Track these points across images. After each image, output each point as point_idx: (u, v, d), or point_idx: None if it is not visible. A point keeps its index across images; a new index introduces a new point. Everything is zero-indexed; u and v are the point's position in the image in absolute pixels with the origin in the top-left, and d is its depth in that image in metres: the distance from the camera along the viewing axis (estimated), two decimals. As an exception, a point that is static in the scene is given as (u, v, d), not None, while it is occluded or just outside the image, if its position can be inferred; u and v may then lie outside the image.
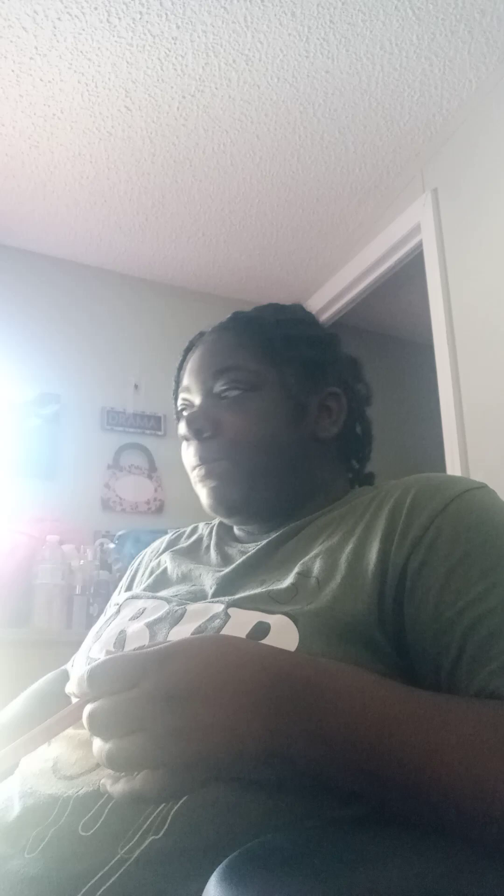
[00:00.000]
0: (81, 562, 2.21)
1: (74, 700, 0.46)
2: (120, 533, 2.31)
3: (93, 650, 0.70)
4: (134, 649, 0.64)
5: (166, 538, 0.93)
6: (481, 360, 1.85)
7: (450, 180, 2.05)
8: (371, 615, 0.56)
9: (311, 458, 0.78)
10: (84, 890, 0.48)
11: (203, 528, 0.89)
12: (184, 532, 0.92)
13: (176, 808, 0.50)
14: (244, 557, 0.72)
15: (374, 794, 0.45)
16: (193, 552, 0.84)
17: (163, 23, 1.66)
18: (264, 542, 0.73)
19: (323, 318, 2.82)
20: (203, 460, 0.74)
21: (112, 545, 2.29)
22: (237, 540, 0.80)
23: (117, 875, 0.48)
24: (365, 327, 3.12)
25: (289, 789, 0.49)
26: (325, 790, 0.47)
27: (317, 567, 0.62)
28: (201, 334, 0.83)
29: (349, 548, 0.62)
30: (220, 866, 0.39)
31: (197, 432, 0.74)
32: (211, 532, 0.86)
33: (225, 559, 0.78)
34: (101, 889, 0.48)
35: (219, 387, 0.75)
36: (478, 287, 1.89)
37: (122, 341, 2.73)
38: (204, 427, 0.74)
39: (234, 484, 0.73)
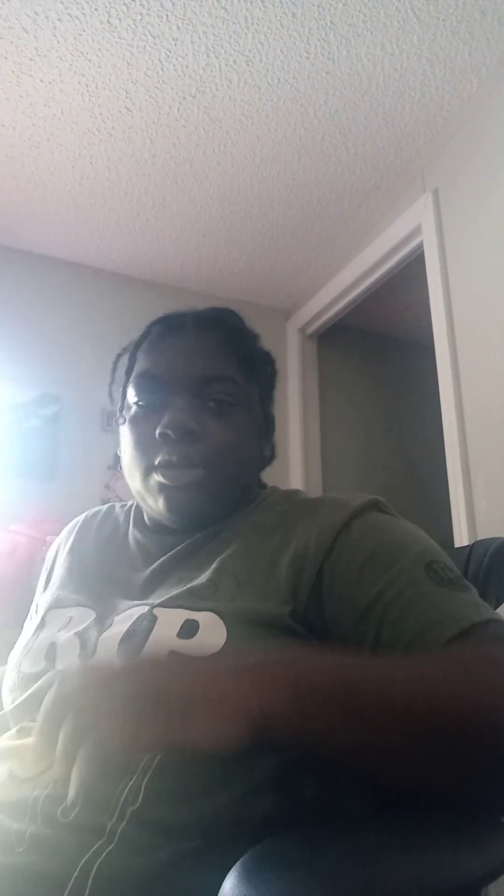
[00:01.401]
0: (82, 562, 2.20)
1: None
2: (120, 533, 2.31)
3: (23, 665, 0.70)
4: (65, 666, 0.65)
5: (80, 519, 0.92)
6: (482, 361, 1.85)
7: (450, 181, 2.05)
8: (286, 611, 0.63)
9: (258, 471, 0.84)
10: (85, 858, 0.50)
11: (119, 511, 0.89)
12: (100, 511, 0.91)
13: (147, 778, 0.53)
14: (165, 558, 0.74)
15: (363, 742, 0.46)
16: (111, 542, 0.84)
17: (163, 24, 1.66)
18: (185, 542, 0.74)
19: (324, 319, 2.82)
20: (180, 463, 0.72)
21: (112, 546, 2.29)
22: (154, 531, 0.80)
23: (113, 844, 0.50)
24: (366, 328, 3.12)
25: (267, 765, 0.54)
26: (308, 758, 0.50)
27: (235, 566, 0.67)
28: (179, 323, 0.81)
29: (267, 552, 0.68)
30: (235, 866, 0.39)
31: (187, 433, 0.72)
32: (128, 518, 0.86)
33: (143, 553, 0.78)
34: (102, 856, 0.50)
35: (208, 393, 0.75)
36: (479, 287, 1.89)
37: (123, 341, 2.72)
38: (194, 429, 0.72)
39: (202, 494, 0.72)
